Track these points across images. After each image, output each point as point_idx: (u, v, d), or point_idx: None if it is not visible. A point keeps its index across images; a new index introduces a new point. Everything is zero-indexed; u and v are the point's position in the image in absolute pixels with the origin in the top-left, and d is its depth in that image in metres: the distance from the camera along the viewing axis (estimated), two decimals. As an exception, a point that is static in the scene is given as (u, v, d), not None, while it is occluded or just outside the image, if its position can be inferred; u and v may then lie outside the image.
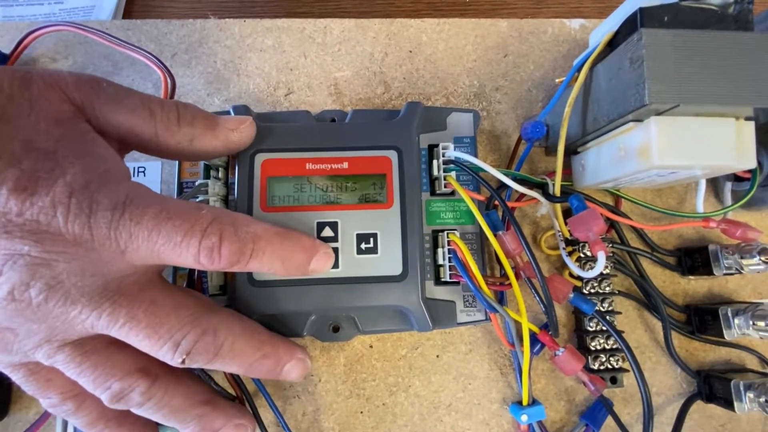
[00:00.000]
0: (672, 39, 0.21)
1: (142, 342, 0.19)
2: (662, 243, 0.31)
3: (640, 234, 0.31)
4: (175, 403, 0.21)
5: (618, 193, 0.30)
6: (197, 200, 0.26)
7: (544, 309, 0.25)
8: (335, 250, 0.26)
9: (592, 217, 0.23)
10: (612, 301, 0.29)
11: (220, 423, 0.22)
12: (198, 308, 0.21)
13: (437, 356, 0.30)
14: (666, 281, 0.31)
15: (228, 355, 0.21)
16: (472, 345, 0.30)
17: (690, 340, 0.30)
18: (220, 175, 0.28)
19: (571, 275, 0.30)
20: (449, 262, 0.26)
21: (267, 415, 0.27)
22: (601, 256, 0.23)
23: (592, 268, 0.29)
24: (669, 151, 0.22)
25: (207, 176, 0.27)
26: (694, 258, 0.30)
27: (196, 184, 0.26)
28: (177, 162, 0.29)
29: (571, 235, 0.29)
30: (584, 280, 0.29)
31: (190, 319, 0.20)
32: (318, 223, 0.26)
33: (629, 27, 0.24)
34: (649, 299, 0.30)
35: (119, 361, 0.20)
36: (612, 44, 0.25)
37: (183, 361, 0.20)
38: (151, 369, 0.21)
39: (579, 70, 0.26)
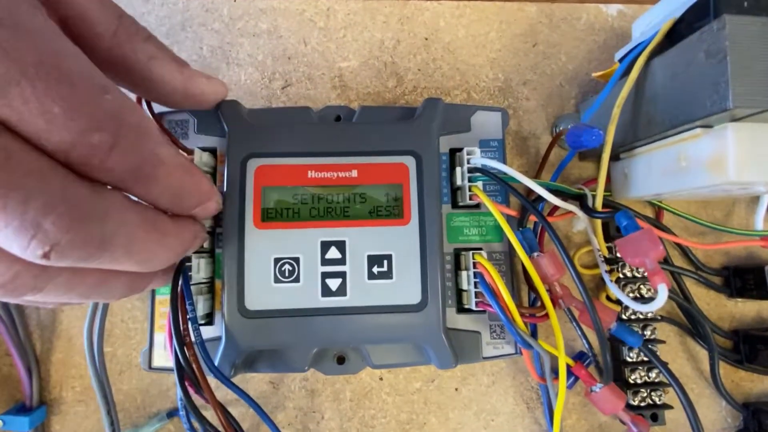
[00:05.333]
0: (762, 28, 0.17)
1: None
2: (707, 261, 0.28)
3: (683, 251, 0.27)
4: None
5: (660, 204, 0.27)
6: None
7: (587, 346, 0.22)
8: (342, 275, 0.22)
9: (647, 240, 0.20)
10: (654, 328, 0.26)
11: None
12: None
13: (456, 389, 0.26)
14: (711, 303, 0.28)
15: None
16: (495, 376, 0.26)
17: (736, 369, 0.27)
18: (207, 182, 0.23)
19: (608, 298, 0.26)
20: (475, 287, 0.22)
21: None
22: (662, 290, 0.19)
23: (633, 291, 0.26)
24: (749, 165, 0.18)
25: (190, 185, 0.23)
26: (746, 279, 0.27)
27: (178, 194, 0.22)
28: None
29: (611, 253, 0.26)
30: (623, 305, 0.26)
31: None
32: (322, 243, 0.22)
33: (698, 13, 0.20)
34: (693, 324, 0.27)
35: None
36: (672, 34, 0.21)
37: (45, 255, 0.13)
38: None
39: (631, 64, 0.22)
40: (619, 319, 0.25)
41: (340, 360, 0.24)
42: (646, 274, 0.25)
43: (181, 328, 0.20)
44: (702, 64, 0.18)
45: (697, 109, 0.18)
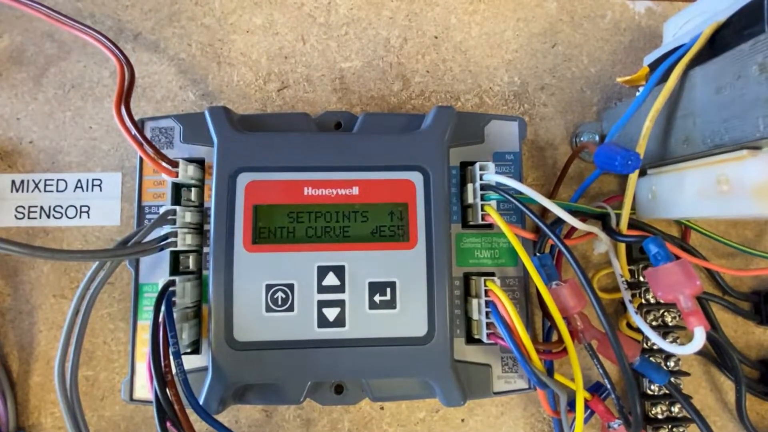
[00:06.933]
0: (830, 39, 0.15)
1: None
2: (736, 284, 0.26)
3: (710, 273, 0.25)
4: None
5: (687, 223, 0.25)
6: (162, 232, 0.20)
7: (606, 378, 0.20)
8: (341, 304, 0.20)
9: (683, 274, 0.18)
10: (678, 359, 0.24)
11: None
12: None
13: (462, 420, 0.24)
14: (738, 331, 0.26)
15: None
16: (504, 407, 0.24)
17: (762, 402, 0.25)
18: (193, 197, 0.21)
19: (629, 325, 0.24)
20: (486, 318, 0.20)
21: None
22: (699, 334, 0.17)
23: (657, 319, 0.24)
24: (804, 195, 0.16)
25: (176, 201, 0.21)
26: (778, 306, 0.25)
27: (162, 211, 0.20)
28: (138, 178, 0.22)
29: (633, 276, 0.24)
30: (644, 334, 0.24)
31: None
32: (319, 268, 0.20)
33: (748, 18, 0.17)
34: (719, 353, 0.25)
35: None
36: (714, 40, 0.19)
37: None
38: None
39: (666, 72, 0.19)
40: (642, 350, 0.23)
41: (338, 389, 0.22)
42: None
43: (162, 364, 0.18)
44: (755, 78, 0.16)
45: (747, 129, 0.16)
